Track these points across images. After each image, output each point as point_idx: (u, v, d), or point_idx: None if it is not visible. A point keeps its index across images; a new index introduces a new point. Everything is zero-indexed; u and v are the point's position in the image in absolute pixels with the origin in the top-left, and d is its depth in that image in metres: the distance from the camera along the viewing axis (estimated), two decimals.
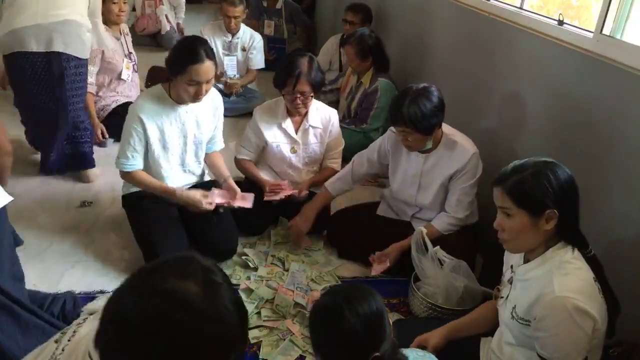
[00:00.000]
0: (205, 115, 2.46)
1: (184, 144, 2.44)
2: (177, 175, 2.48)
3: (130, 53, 3.69)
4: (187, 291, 0.85)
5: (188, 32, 5.99)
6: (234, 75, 4.19)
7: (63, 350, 1.05)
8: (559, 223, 1.41)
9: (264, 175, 2.70)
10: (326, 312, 1.31)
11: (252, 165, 2.73)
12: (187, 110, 2.37)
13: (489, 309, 1.78)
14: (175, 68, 2.22)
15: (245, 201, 2.46)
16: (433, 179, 2.34)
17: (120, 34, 3.61)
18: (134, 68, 3.70)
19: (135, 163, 2.33)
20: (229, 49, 4.15)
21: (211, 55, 2.24)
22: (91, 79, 3.42)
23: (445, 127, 2.32)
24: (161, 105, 2.31)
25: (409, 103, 2.15)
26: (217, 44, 4.10)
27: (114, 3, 3.46)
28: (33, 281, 2.13)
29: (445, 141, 2.30)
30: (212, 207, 2.35)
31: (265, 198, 2.54)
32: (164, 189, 2.37)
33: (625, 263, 1.79)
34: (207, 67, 2.21)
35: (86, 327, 1.08)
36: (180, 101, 2.33)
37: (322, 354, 1.31)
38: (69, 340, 1.07)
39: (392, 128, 2.37)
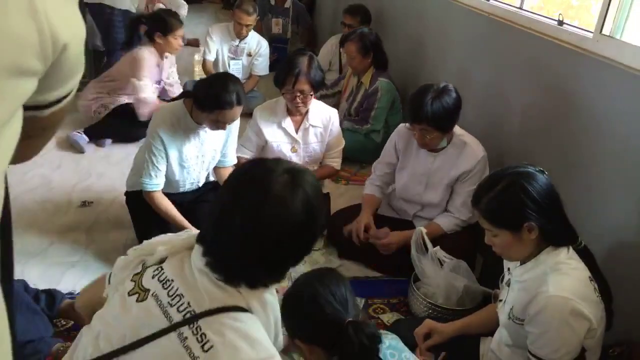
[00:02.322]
0: (222, 132, 2.44)
1: (201, 162, 2.45)
2: (187, 186, 2.50)
3: (160, 81, 3.72)
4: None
5: (188, 33, 5.97)
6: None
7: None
8: (541, 231, 1.42)
9: None
10: (300, 289, 1.37)
11: None
12: (207, 130, 2.36)
13: (492, 312, 1.79)
14: (203, 105, 2.18)
15: None
16: (441, 178, 2.34)
17: (162, 59, 3.63)
18: (157, 92, 3.69)
19: (159, 182, 2.31)
20: (235, 53, 4.17)
21: (242, 99, 2.20)
22: (150, 90, 3.47)
23: (456, 127, 2.32)
24: (181, 125, 2.28)
25: (432, 100, 2.14)
26: (223, 47, 4.12)
27: (175, 39, 3.52)
28: (33, 281, 2.14)
29: (455, 141, 2.30)
30: None
31: None
32: (183, 224, 2.30)
33: (625, 263, 1.79)
34: (235, 111, 2.20)
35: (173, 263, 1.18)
36: (200, 123, 2.31)
37: (297, 335, 1.35)
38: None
39: (406, 125, 2.35)
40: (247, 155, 2.72)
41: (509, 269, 1.62)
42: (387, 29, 4.10)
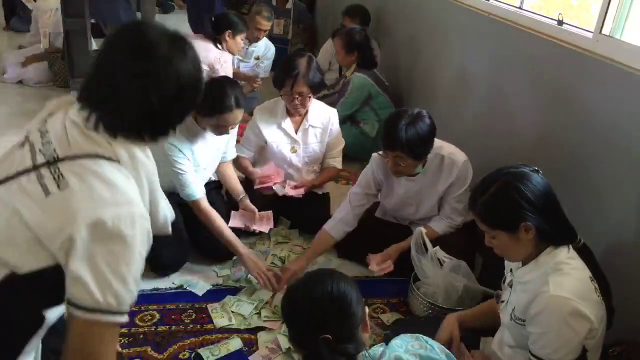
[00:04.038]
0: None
1: (212, 164, 2.47)
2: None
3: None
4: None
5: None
6: None
7: (47, 143, 1.16)
8: (539, 231, 1.42)
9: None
10: (293, 289, 1.35)
11: (246, 161, 2.73)
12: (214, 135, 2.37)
13: (493, 305, 1.79)
14: (203, 110, 2.20)
15: (263, 224, 2.46)
16: (430, 195, 2.33)
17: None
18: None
19: (196, 188, 2.28)
20: (245, 56, 4.20)
21: (241, 102, 2.22)
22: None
23: None
24: (190, 131, 2.28)
25: (407, 127, 2.06)
26: None
27: (242, 40, 3.68)
28: None
29: (432, 159, 2.23)
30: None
31: (256, 187, 2.59)
32: (233, 244, 2.28)
33: (625, 262, 1.79)
34: (236, 114, 2.21)
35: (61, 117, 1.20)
36: (204, 128, 2.32)
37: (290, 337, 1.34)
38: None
39: (380, 153, 2.26)
40: (247, 155, 2.72)
41: (511, 270, 1.62)
42: (387, 29, 4.10)
